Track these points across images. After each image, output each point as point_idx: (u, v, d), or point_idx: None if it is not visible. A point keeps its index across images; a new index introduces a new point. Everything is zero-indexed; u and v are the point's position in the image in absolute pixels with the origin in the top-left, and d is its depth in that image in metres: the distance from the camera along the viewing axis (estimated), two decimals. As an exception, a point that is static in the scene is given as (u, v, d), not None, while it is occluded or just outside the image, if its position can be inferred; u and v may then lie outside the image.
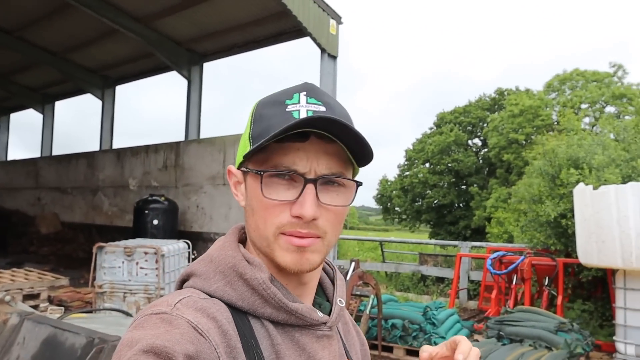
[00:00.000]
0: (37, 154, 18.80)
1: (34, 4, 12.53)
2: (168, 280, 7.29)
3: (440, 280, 10.64)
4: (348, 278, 5.85)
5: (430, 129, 33.02)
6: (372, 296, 5.88)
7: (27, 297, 7.06)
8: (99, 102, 16.19)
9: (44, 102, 18.53)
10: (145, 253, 7.28)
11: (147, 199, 11.66)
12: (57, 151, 18.41)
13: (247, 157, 0.78)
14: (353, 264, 6.11)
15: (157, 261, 7.11)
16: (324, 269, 0.92)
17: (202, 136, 13.45)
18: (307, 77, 11.29)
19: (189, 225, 12.62)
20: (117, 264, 7.22)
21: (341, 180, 0.78)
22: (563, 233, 7.81)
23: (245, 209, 0.82)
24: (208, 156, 12.41)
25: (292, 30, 11.80)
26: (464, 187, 30.07)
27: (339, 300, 0.87)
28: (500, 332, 6.06)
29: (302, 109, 0.77)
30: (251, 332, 0.74)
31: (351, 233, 52.33)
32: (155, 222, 11.40)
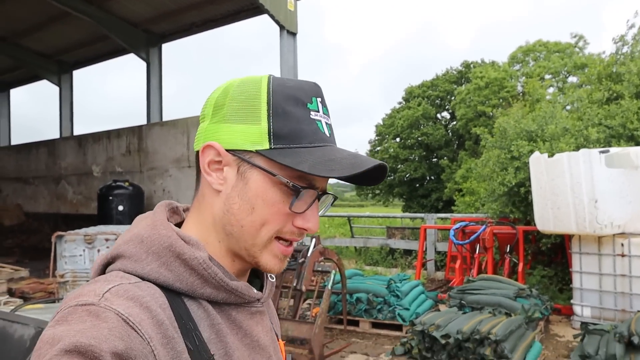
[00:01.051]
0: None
1: (-23, -12, 11.99)
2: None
3: (408, 252, 10.77)
4: (309, 255, 5.87)
5: (399, 103, 33.18)
6: (333, 271, 5.91)
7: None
8: (57, 88, 15.73)
9: (-2, 90, 17.91)
10: (107, 240, 7.18)
11: (111, 185, 11.45)
12: (16, 140, 17.91)
13: (262, 153, 0.73)
14: (314, 240, 6.12)
15: (118, 248, 7.00)
16: None
17: (165, 118, 13.21)
18: (270, 53, 11.12)
19: (155, 209, 12.47)
20: (78, 252, 7.10)
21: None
22: (522, 201, 7.96)
23: (229, 196, 0.76)
24: (172, 139, 12.20)
25: (250, 7, 11.61)
26: (434, 160, 30.43)
27: (270, 276, 0.87)
28: (462, 301, 6.18)
29: (322, 120, 0.76)
30: (188, 314, 0.71)
31: (331, 210, 52.66)
32: (121, 208, 11.21)
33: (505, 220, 8.22)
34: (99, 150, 13.94)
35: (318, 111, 0.76)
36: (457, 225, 7.98)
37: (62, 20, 13.18)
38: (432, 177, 30.56)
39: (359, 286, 6.81)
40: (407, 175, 30.63)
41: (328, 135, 0.77)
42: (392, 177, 31.69)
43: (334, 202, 0.84)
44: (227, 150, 0.75)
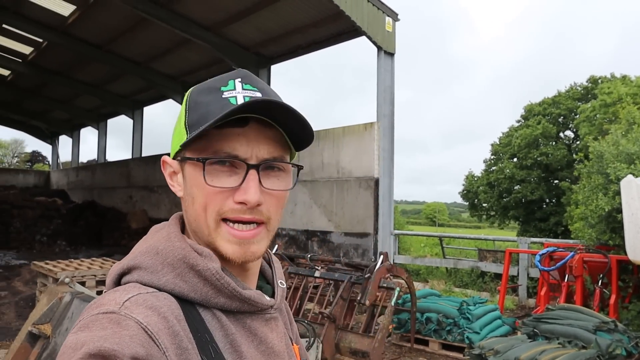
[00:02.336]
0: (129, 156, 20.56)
1: (117, 20, 13.82)
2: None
3: (499, 276, 10.32)
4: (376, 270, 5.99)
5: (518, 122, 31.63)
6: (397, 289, 5.96)
7: (100, 283, 7.90)
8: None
9: (134, 108, 20.23)
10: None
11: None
12: (148, 152, 20.05)
13: (185, 146, 0.76)
14: (382, 257, 6.22)
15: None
16: None
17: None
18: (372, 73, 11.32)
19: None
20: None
21: (282, 165, 0.80)
22: (621, 228, 7.33)
23: (183, 199, 0.80)
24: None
25: (350, 29, 12.01)
26: (554, 182, 28.48)
27: (280, 282, 0.89)
28: (535, 330, 5.88)
29: (239, 95, 0.76)
30: (203, 325, 0.72)
31: (439, 230, 51.18)
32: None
33: (603, 248, 7.62)
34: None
35: (234, 89, 0.77)
36: (544, 251, 7.55)
37: (184, 46, 14.71)
38: (553, 201, 28.61)
39: (430, 306, 6.76)
40: (523, 197, 29.00)
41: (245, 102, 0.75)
42: (507, 199, 30.19)
43: (298, 172, 0.84)
44: (173, 158, 0.81)
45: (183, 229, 0.83)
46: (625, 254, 7.28)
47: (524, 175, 28.79)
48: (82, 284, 7.73)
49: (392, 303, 5.88)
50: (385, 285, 6.18)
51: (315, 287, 7.29)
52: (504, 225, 34.98)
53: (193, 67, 16.06)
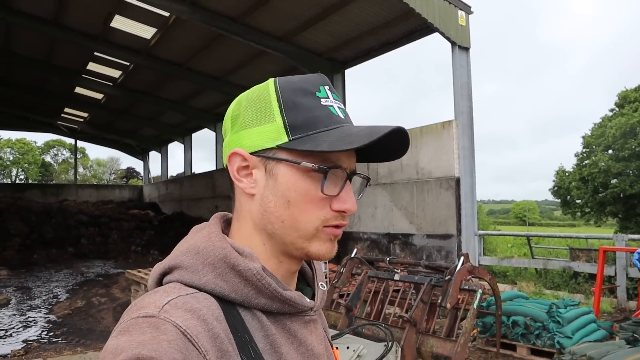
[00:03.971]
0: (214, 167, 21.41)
1: (195, 38, 14.49)
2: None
3: (594, 277, 9.60)
4: (456, 272, 5.79)
5: (611, 110, 29.52)
6: (479, 291, 5.72)
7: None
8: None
9: (216, 121, 21.06)
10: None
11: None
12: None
13: (283, 146, 0.75)
14: (462, 258, 6.01)
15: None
16: None
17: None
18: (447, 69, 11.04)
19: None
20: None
21: (363, 175, 0.85)
22: None
23: (264, 197, 0.77)
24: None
25: (422, 27, 11.79)
26: (658, 173, 26.27)
27: (321, 284, 0.88)
28: (635, 334, 5.42)
29: (334, 105, 0.79)
30: (243, 326, 0.72)
31: (530, 230, 48.64)
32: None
33: None
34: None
35: (328, 98, 0.78)
36: (644, 248, 6.94)
37: (259, 58, 15.15)
38: (655, 193, 26.39)
39: (517, 309, 6.43)
40: (622, 192, 26.96)
41: (343, 118, 0.78)
42: (603, 194, 28.23)
43: (368, 184, 0.87)
44: (251, 154, 0.77)
45: (224, 229, 0.83)
46: None
47: (621, 168, 26.81)
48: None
49: (475, 306, 5.65)
50: (467, 287, 5.96)
51: (396, 291, 7.17)
52: (601, 223, 32.78)
53: (269, 77, 16.40)
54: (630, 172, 26.56)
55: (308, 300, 0.80)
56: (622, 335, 5.51)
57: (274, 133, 0.75)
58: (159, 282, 0.77)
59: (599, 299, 7.41)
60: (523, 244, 14.89)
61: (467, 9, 11.21)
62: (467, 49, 11.25)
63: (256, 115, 0.77)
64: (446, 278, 5.87)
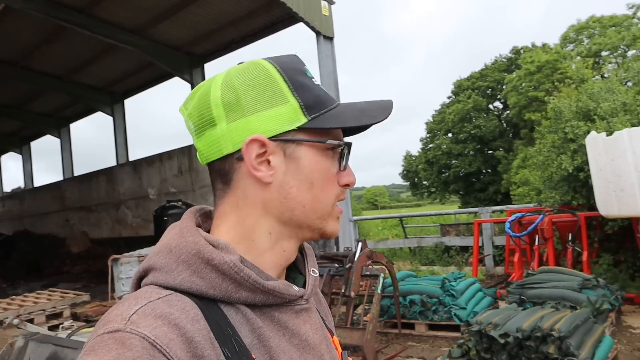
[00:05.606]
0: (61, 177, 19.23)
1: (29, 33, 12.71)
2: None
3: (464, 249, 10.39)
4: (356, 259, 5.74)
5: (449, 97, 32.47)
6: (382, 275, 5.75)
7: (50, 317, 7.21)
8: (111, 118, 16.41)
9: (59, 126, 18.89)
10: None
11: (165, 205, 11.75)
12: (79, 171, 18.81)
13: (303, 127, 0.73)
14: (360, 244, 5.99)
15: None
16: None
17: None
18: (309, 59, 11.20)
19: (210, 227, 12.75)
20: (133, 274, 7.28)
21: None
22: (582, 186, 7.49)
23: (284, 183, 0.73)
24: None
25: (286, 17, 11.66)
26: (489, 152, 29.49)
27: (312, 271, 0.84)
28: (522, 297, 5.86)
29: (319, 84, 0.79)
30: (226, 321, 0.68)
31: (382, 212, 51.87)
32: (176, 227, 11.51)
33: (567, 207, 7.76)
34: (153, 173, 14.40)
35: (313, 77, 0.78)
36: (513, 217, 7.60)
37: (109, 53, 13.80)
38: (489, 170, 29.63)
39: (412, 288, 6.61)
40: (462, 171, 29.84)
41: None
42: (446, 174, 30.98)
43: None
44: (269, 139, 0.73)
45: (203, 223, 0.79)
46: (591, 210, 7.45)
47: (460, 149, 29.62)
48: (30, 321, 7.04)
49: (379, 290, 5.65)
50: (368, 273, 5.96)
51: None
52: (445, 200, 35.96)
53: (120, 74, 15.10)
54: (468, 152, 29.46)
55: (296, 288, 0.76)
56: (511, 299, 5.92)
57: (290, 114, 0.73)
58: (137, 287, 0.73)
59: (477, 268, 7.96)
60: (392, 225, 15.66)
61: (329, 0, 11.32)
62: (331, 38, 11.37)
63: (265, 98, 0.73)
64: (347, 266, 5.81)
